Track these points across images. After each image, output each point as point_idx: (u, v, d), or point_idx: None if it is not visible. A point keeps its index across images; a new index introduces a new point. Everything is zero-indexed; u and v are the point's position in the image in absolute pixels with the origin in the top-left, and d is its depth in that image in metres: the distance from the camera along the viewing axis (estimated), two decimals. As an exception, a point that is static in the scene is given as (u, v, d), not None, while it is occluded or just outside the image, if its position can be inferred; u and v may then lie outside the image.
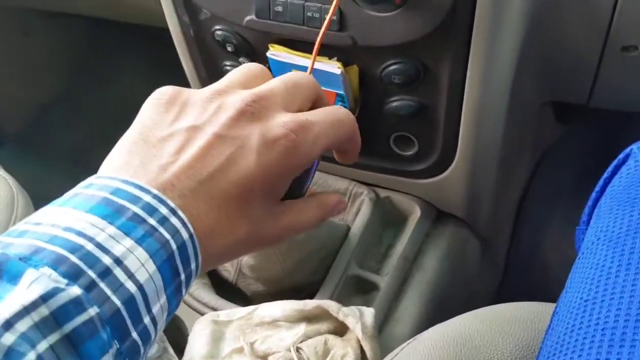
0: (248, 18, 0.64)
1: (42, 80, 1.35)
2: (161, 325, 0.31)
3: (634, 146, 0.43)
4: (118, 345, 0.28)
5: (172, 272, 0.31)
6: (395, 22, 0.58)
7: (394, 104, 0.67)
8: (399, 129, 0.71)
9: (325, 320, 0.67)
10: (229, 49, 0.70)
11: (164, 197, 0.32)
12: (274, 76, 0.71)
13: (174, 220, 0.31)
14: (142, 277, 0.29)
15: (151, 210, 0.31)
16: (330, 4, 0.58)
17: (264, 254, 0.71)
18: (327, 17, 0.56)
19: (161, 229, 0.31)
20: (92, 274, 0.28)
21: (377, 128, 0.72)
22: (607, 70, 0.67)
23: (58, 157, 1.31)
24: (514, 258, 1.00)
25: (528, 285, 1.00)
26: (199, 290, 0.75)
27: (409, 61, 0.62)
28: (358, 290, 0.75)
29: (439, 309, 0.76)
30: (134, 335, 0.29)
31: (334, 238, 0.77)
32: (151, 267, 0.30)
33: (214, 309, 0.73)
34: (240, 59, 0.70)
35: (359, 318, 0.64)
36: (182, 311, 0.75)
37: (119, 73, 1.38)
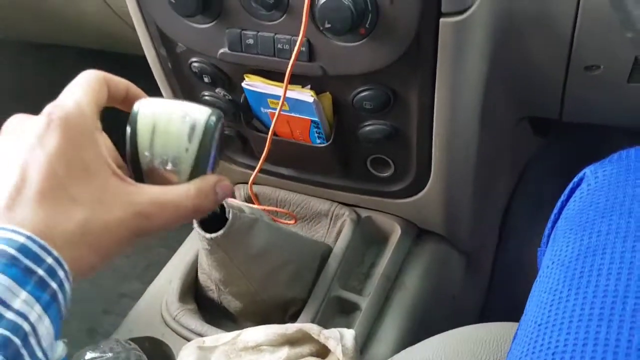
0: (221, 51, 0.66)
1: (37, 111, 1.36)
2: (35, 317, 0.34)
3: (587, 169, 0.45)
4: None
5: (22, 271, 0.34)
6: (362, 52, 0.60)
7: (367, 128, 0.69)
8: (375, 151, 0.73)
9: (307, 343, 0.68)
10: (206, 79, 0.71)
11: None
12: (251, 105, 0.73)
13: (4, 233, 0.35)
14: None
15: None
16: (298, 35, 0.61)
17: (226, 266, 0.71)
18: (295, 49, 0.58)
19: None
20: None
21: (354, 151, 0.73)
22: (574, 88, 0.69)
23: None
24: (499, 272, 1.01)
25: (513, 299, 1.00)
26: (185, 317, 0.76)
27: (379, 88, 0.64)
28: (341, 311, 0.77)
29: (422, 327, 0.77)
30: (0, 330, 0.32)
31: (309, 253, 0.77)
32: None
33: (200, 335, 0.74)
34: (217, 90, 0.72)
35: (340, 340, 0.65)
36: (168, 337, 0.76)
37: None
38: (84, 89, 0.41)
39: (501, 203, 1.03)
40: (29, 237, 0.35)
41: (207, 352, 0.70)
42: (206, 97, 0.74)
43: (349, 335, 0.66)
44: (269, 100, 0.69)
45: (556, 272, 0.39)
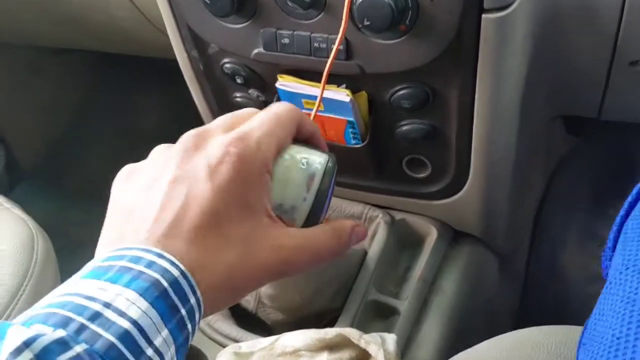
0: (256, 51, 0.65)
1: (53, 115, 1.37)
2: (169, 358, 0.33)
3: None
4: None
5: (169, 307, 0.33)
6: (401, 49, 0.58)
7: (404, 127, 0.68)
8: (411, 151, 0.71)
9: (346, 348, 0.67)
10: (239, 81, 0.70)
11: (147, 247, 0.35)
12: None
13: (161, 262, 0.34)
14: (134, 313, 0.32)
15: (136, 259, 0.34)
16: (335, 34, 0.59)
17: (281, 283, 0.71)
18: (334, 48, 0.57)
19: (149, 271, 0.33)
20: (81, 319, 0.31)
21: (389, 152, 0.72)
22: (616, 85, 0.67)
23: (72, 191, 1.32)
24: (533, 274, 1.00)
25: (548, 301, 0.99)
26: (220, 322, 0.75)
27: (417, 86, 0.63)
28: (378, 315, 0.75)
29: (460, 331, 0.76)
30: None
31: (351, 264, 0.77)
32: (143, 304, 0.32)
33: (236, 341, 0.73)
34: (250, 91, 0.71)
35: (381, 345, 0.64)
36: (203, 343, 0.75)
37: (130, 106, 1.40)
38: (271, 127, 0.41)
39: (534, 204, 1.01)
40: (182, 273, 0.34)
41: (243, 358, 0.68)
42: (238, 99, 0.73)
43: (390, 339, 0.65)
44: (303, 100, 0.68)
45: (633, 279, 0.37)
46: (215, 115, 0.79)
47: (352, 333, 0.66)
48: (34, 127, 1.34)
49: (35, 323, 0.31)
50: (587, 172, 1.07)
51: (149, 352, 0.32)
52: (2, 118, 1.29)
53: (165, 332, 0.33)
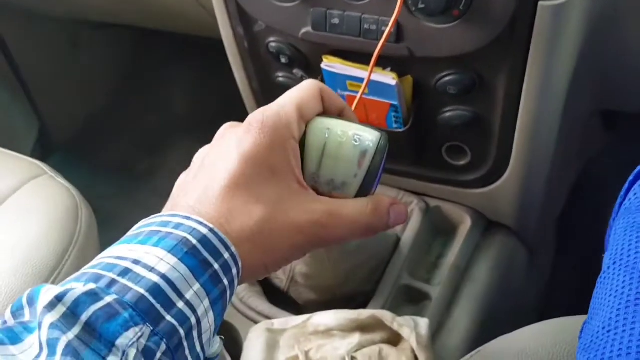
0: (304, 30, 0.65)
1: (89, 90, 1.38)
2: (202, 311, 0.34)
3: None
4: (151, 327, 0.31)
5: (200, 262, 0.34)
6: (452, 34, 0.58)
7: (448, 114, 0.68)
8: (452, 139, 0.71)
9: (379, 330, 0.67)
10: (283, 60, 0.71)
11: (173, 212, 0.37)
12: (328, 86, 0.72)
13: (189, 222, 0.36)
14: (163, 268, 0.33)
15: (165, 223, 0.36)
16: (387, 16, 0.59)
17: (316, 261, 0.72)
18: (387, 30, 0.57)
19: (177, 231, 0.35)
20: (112, 274, 0.32)
21: (430, 138, 0.72)
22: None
23: (105, 165, 1.34)
24: (559, 268, 0.99)
25: (573, 295, 0.99)
26: (253, 299, 0.76)
27: (465, 72, 0.63)
28: (409, 300, 0.75)
29: (488, 319, 0.76)
30: (169, 318, 0.32)
31: (384, 248, 0.77)
32: (172, 259, 0.33)
33: (268, 317, 0.73)
34: (294, 71, 0.71)
35: (414, 328, 0.64)
36: (236, 319, 0.76)
37: (166, 83, 1.41)
38: (294, 98, 0.42)
39: (564, 198, 1.00)
40: (211, 230, 0.36)
41: (276, 335, 0.69)
42: (280, 79, 0.74)
43: (423, 323, 0.65)
44: (348, 82, 0.68)
45: (620, 272, 0.37)
46: (256, 94, 0.79)
47: (386, 315, 0.66)
48: (69, 101, 1.36)
49: (70, 282, 0.32)
50: (617, 169, 1.06)
51: (180, 304, 0.33)
52: (39, 91, 1.30)
53: (197, 286, 0.34)
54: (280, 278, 0.78)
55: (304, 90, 0.43)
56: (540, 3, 0.54)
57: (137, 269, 0.33)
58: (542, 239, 0.94)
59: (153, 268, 0.33)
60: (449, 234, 0.81)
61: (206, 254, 0.35)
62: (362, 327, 0.67)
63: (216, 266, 0.35)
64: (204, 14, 0.85)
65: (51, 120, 1.35)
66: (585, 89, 0.72)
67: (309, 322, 0.69)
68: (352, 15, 0.61)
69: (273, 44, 0.70)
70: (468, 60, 0.61)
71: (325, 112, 0.45)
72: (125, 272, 0.33)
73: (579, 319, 0.53)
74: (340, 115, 0.46)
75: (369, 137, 0.44)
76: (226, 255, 0.35)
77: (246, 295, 0.77)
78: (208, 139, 0.44)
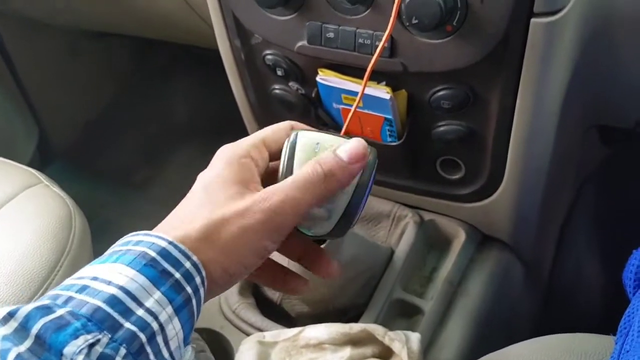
0: (300, 44, 0.65)
1: (89, 98, 1.39)
2: (165, 317, 0.35)
3: None
4: (109, 334, 0.32)
5: (159, 273, 0.35)
6: (446, 49, 0.58)
7: (442, 128, 0.68)
8: (446, 153, 0.71)
9: (370, 344, 0.67)
10: (279, 73, 0.71)
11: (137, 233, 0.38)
12: (323, 100, 0.73)
13: (148, 238, 0.37)
14: (121, 280, 0.34)
15: (126, 243, 0.37)
16: (381, 31, 0.60)
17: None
18: (380, 44, 0.57)
19: (136, 247, 0.36)
20: (69, 293, 0.33)
21: (424, 151, 0.72)
22: (659, 97, 0.67)
23: (104, 173, 1.34)
24: (556, 283, 0.99)
25: (569, 313, 0.98)
26: (245, 311, 0.76)
27: (459, 87, 0.63)
28: (402, 314, 0.75)
29: (482, 335, 0.76)
30: (128, 325, 0.33)
31: (378, 261, 0.77)
32: (130, 272, 0.34)
33: (260, 330, 0.73)
34: (290, 83, 0.72)
35: (405, 343, 0.64)
36: (227, 331, 0.76)
37: (165, 92, 1.41)
38: (259, 132, 0.45)
39: (561, 214, 1.00)
40: (170, 243, 0.36)
41: (267, 347, 0.69)
42: (277, 91, 0.74)
43: (414, 338, 0.65)
44: (342, 95, 0.68)
45: None
46: (252, 106, 0.79)
47: (377, 329, 0.66)
48: (69, 109, 1.36)
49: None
50: (616, 184, 1.06)
51: (140, 312, 0.34)
52: (39, 99, 1.31)
53: (157, 294, 0.34)
54: (273, 291, 0.78)
55: (273, 127, 0.46)
56: (532, 20, 0.55)
57: (95, 284, 0.34)
58: (538, 254, 0.94)
59: (110, 282, 0.34)
60: (443, 247, 0.81)
61: (166, 265, 0.36)
62: (354, 341, 0.67)
63: (177, 275, 0.36)
64: (202, 25, 0.86)
65: (51, 128, 1.35)
66: (580, 105, 0.72)
67: (301, 335, 0.68)
68: (347, 29, 0.62)
69: (269, 57, 0.70)
70: (462, 75, 0.61)
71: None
72: (83, 289, 0.34)
73: (574, 337, 0.53)
74: None
75: None
76: (187, 265, 0.36)
77: (239, 307, 0.76)
78: (206, 149, 0.45)
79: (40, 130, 1.33)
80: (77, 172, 1.34)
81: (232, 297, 0.78)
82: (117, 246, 0.37)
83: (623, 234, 1.01)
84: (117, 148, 1.39)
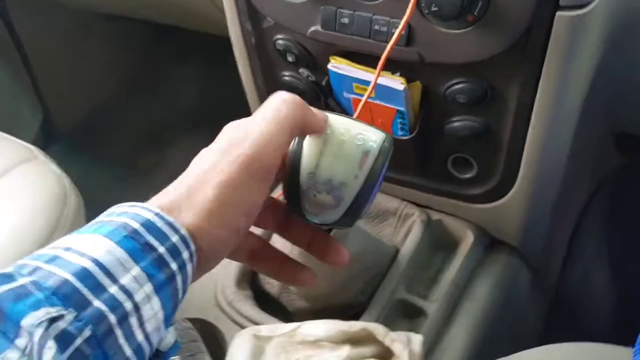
0: (313, 29, 0.63)
1: (96, 81, 1.37)
2: (143, 296, 0.31)
3: None
4: (75, 312, 0.29)
5: (141, 245, 0.32)
6: (465, 40, 0.56)
7: (456, 123, 0.65)
8: (459, 150, 0.69)
9: (369, 344, 0.64)
10: (290, 59, 0.69)
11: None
12: (334, 89, 0.70)
13: (133, 209, 0.33)
14: (97, 253, 0.31)
15: (108, 214, 0.34)
16: (398, 18, 0.57)
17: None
18: (397, 32, 0.55)
19: (118, 218, 0.33)
20: (37, 263, 0.30)
21: (436, 148, 0.70)
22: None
23: (107, 157, 1.32)
24: (564, 292, 0.96)
25: (577, 321, 0.96)
26: (241, 303, 0.74)
27: (476, 81, 0.60)
28: (404, 315, 0.73)
29: (487, 340, 0.73)
30: (97, 303, 0.29)
31: (382, 259, 0.75)
32: (107, 243, 0.31)
33: (256, 323, 0.71)
34: (300, 70, 0.69)
35: (407, 344, 0.62)
36: (221, 322, 0.73)
37: (172, 79, 1.39)
38: (289, 117, 0.38)
39: (572, 221, 0.98)
40: (157, 214, 0.33)
41: (262, 342, 0.67)
42: (286, 78, 0.72)
43: (416, 340, 0.63)
44: (354, 84, 0.66)
45: None
46: (260, 92, 0.77)
47: (378, 329, 0.64)
48: (76, 91, 1.34)
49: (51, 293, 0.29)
50: (629, 193, 1.03)
51: (113, 289, 0.30)
52: (46, 79, 1.29)
53: (135, 270, 0.31)
54: (272, 284, 0.76)
55: (288, 119, 0.38)
56: (558, 13, 0.52)
57: (67, 255, 0.30)
58: (547, 260, 0.91)
59: (84, 253, 0.30)
60: (450, 248, 0.78)
61: (149, 237, 0.32)
62: (353, 340, 0.65)
63: (161, 249, 0.32)
64: (214, 10, 0.83)
65: (56, 109, 1.34)
66: (599, 107, 0.70)
67: (298, 330, 0.66)
68: (363, 15, 0.59)
69: (280, 42, 0.68)
70: (480, 69, 0.59)
71: (308, 131, 0.41)
72: (52, 259, 0.30)
73: (582, 346, 0.51)
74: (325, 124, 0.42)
75: (373, 137, 0.41)
76: (174, 238, 0.33)
77: (235, 299, 0.74)
78: (212, 138, 0.40)
79: (45, 110, 1.31)
80: (80, 154, 1.32)
81: (228, 288, 0.75)
82: (100, 217, 0.34)
83: (633, 244, 0.99)
84: (123, 133, 1.37)
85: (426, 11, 0.55)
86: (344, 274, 0.69)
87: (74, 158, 1.22)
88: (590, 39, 0.55)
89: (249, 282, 0.79)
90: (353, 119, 0.43)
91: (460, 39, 0.56)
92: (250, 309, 0.73)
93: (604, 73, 0.61)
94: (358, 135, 0.41)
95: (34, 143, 0.79)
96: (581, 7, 0.52)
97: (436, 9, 0.54)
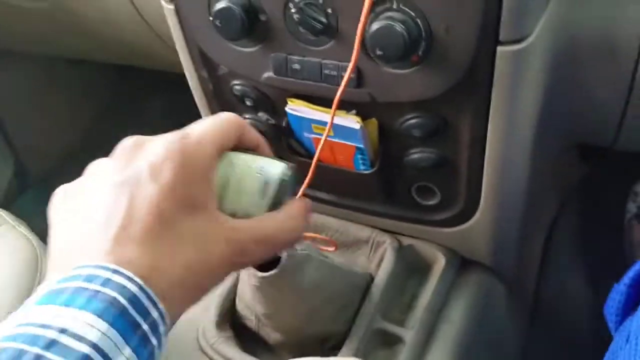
0: (266, 75, 0.64)
1: (66, 124, 1.37)
2: None
3: None
4: None
5: (130, 324, 0.32)
6: (413, 79, 0.57)
7: (414, 155, 0.66)
8: (421, 179, 0.70)
9: (349, 379, 0.65)
10: (248, 103, 0.70)
11: (100, 263, 0.34)
12: (294, 130, 0.71)
13: (117, 278, 0.33)
14: (94, 336, 0.31)
15: (91, 278, 0.33)
16: (347, 61, 0.58)
17: (274, 302, 0.69)
18: (346, 76, 0.56)
19: (105, 290, 0.33)
20: (36, 349, 0.30)
21: (398, 178, 0.71)
22: (632, 117, 0.66)
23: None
24: (541, 304, 0.98)
25: (556, 332, 0.97)
26: (222, 345, 0.74)
27: (429, 115, 0.62)
28: (383, 343, 0.74)
29: (467, 360, 0.75)
30: None
31: (353, 286, 0.75)
32: (102, 325, 0.31)
33: (237, 366, 0.72)
34: (259, 114, 0.70)
35: (384, 377, 0.63)
36: (204, 367, 0.74)
37: (143, 116, 1.39)
38: (214, 129, 0.41)
39: (543, 232, 0.99)
40: (140, 287, 0.34)
41: (245, 385, 0.67)
42: (247, 121, 0.72)
43: (394, 372, 0.63)
44: (312, 125, 0.67)
45: None
46: (223, 135, 0.78)
47: (357, 365, 0.65)
48: (46, 136, 1.34)
49: None
50: (596, 200, 1.05)
51: None
52: (14, 126, 1.29)
53: (127, 351, 0.32)
54: (250, 319, 0.76)
55: (224, 123, 0.43)
56: (499, 48, 0.54)
57: (65, 340, 0.30)
58: (520, 274, 0.93)
59: (82, 337, 0.31)
60: (423, 272, 0.79)
61: (135, 314, 0.33)
62: (333, 377, 0.66)
63: (145, 327, 0.33)
64: (170, 52, 0.84)
65: (27, 156, 1.33)
66: (555, 126, 0.71)
67: (279, 372, 0.67)
68: (312, 60, 0.60)
69: (237, 87, 0.69)
70: (431, 104, 0.60)
71: (241, 146, 0.44)
72: (51, 345, 0.30)
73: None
74: (255, 149, 0.46)
75: (273, 169, 0.44)
76: (155, 314, 0.34)
77: (217, 342, 0.75)
78: None
79: (16, 158, 1.31)
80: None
81: (209, 332, 0.76)
82: (80, 279, 0.33)
83: (605, 249, 1.01)
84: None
85: (372, 54, 0.56)
86: (309, 304, 0.69)
87: (46, 205, 1.21)
88: (533, 69, 0.57)
89: (229, 322, 0.79)
90: (256, 154, 0.45)
91: (407, 78, 0.57)
92: (231, 350, 0.74)
93: (552, 97, 0.62)
94: (259, 169, 0.44)
95: (7, 192, 0.79)
96: (520, 41, 0.53)
97: (381, 52, 0.55)
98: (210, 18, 0.60)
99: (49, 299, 0.33)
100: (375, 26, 0.54)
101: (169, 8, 0.66)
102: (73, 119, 1.39)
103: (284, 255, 0.63)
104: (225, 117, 0.43)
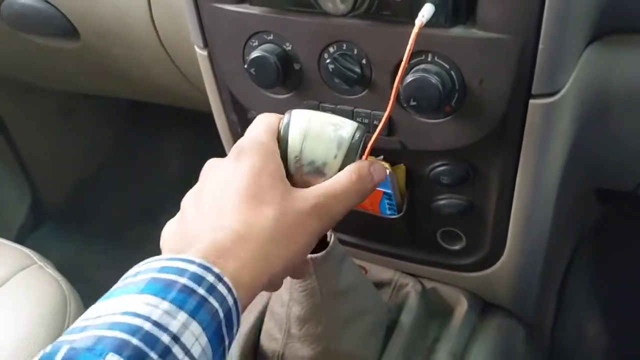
0: (297, 121, 0.65)
1: (82, 158, 1.38)
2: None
3: None
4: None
5: (219, 340, 0.36)
6: (444, 129, 0.58)
7: (442, 202, 0.67)
8: (446, 224, 0.71)
9: None
10: (276, 147, 0.70)
11: (205, 263, 0.38)
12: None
13: (220, 287, 0.37)
14: (196, 352, 0.34)
15: (198, 279, 0.37)
16: (378, 109, 0.59)
17: (310, 298, 0.67)
18: (380, 126, 0.57)
19: (209, 299, 0.36)
20: (153, 355, 0.32)
21: (424, 223, 0.71)
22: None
23: (97, 234, 1.33)
24: (559, 344, 0.98)
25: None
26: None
27: (458, 163, 0.62)
28: (406, 388, 0.73)
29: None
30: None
31: (382, 309, 0.74)
32: (203, 340, 0.35)
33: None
34: (288, 157, 0.71)
35: None
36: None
37: (159, 151, 1.41)
38: (260, 125, 0.51)
39: (560, 274, 1.00)
40: (235, 301, 0.37)
41: None
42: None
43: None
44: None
45: None
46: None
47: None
48: (62, 169, 1.35)
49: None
50: (612, 244, 1.06)
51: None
52: (31, 159, 1.30)
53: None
54: (277, 338, 0.75)
55: (267, 120, 0.52)
56: (531, 101, 0.55)
57: (176, 350, 0.33)
58: (539, 315, 0.93)
59: (188, 350, 0.34)
60: (445, 315, 0.79)
61: (225, 331, 0.36)
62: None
63: (227, 342, 0.36)
64: (196, 93, 0.86)
65: (44, 189, 1.34)
66: (579, 173, 0.72)
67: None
68: (345, 108, 0.61)
69: (266, 131, 0.70)
70: (461, 153, 0.61)
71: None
72: (165, 353, 0.33)
73: None
74: None
75: (347, 126, 0.51)
76: (234, 330, 0.37)
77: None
78: None
79: (33, 191, 1.32)
80: (71, 232, 1.33)
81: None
82: (187, 277, 0.37)
83: (621, 292, 1.01)
84: (112, 207, 1.38)
85: (405, 104, 0.57)
86: (340, 313, 0.67)
87: (64, 237, 1.22)
88: (563, 121, 0.58)
89: (253, 355, 0.78)
90: (331, 114, 0.53)
91: (439, 128, 0.58)
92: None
93: (581, 147, 0.64)
94: (334, 124, 0.51)
95: (23, 225, 0.79)
96: (553, 94, 0.54)
97: (415, 103, 0.56)
98: (245, 66, 0.61)
99: (157, 290, 0.35)
100: (410, 77, 0.55)
101: (202, 54, 0.67)
102: (89, 153, 1.40)
103: (331, 239, 0.62)
104: (268, 117, 0.53)
